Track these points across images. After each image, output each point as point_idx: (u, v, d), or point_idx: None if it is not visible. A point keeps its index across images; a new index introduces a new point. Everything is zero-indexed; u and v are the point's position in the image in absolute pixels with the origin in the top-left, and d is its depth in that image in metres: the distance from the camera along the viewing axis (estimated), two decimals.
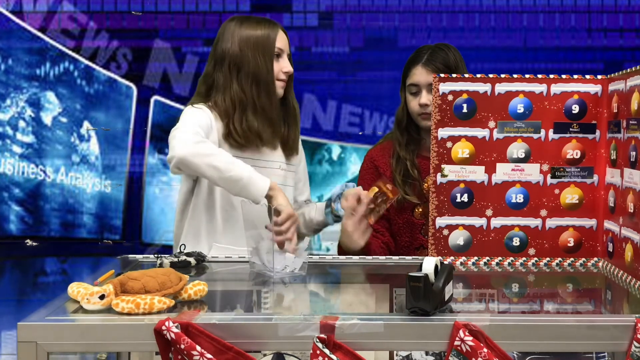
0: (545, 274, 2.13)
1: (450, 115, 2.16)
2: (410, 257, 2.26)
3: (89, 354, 2.85)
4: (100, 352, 2.13)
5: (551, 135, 2.16)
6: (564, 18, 3.48)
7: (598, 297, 2.02)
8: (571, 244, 2.17)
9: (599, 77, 2.15)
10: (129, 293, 1.58)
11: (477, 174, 2.16)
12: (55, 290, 3.49)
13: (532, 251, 2.17)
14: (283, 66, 2.37)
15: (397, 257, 2.26)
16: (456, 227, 2.18)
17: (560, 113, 2.15)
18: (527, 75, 2.16)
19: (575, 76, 2.16)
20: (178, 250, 2.17)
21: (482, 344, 1.47)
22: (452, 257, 2.17)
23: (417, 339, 1.52)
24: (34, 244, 3.52)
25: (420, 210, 2.40)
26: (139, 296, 1.55)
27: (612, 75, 2.10)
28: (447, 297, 1.58)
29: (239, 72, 2.34)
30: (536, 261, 2.18)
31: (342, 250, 2.37)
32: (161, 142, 3.52)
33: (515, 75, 2.16)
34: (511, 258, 2.18)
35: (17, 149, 3.51)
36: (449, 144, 2.17)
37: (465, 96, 2.16)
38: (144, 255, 2.19)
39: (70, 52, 3.50)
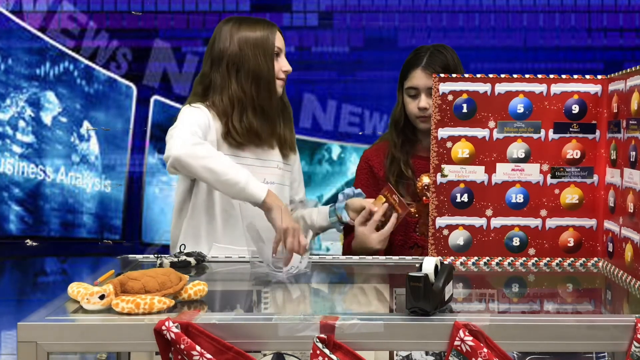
0: (545, 274, 2.13)
1: (450, 115, 2.16)
2: (410, 257, 2.26)
3: (89, 354, 2.85)
4: (100, 352, 2.13)
5: (551, 135, 2.16)
6: (564, 18, 3.48)
7: (598, 297, 2.02)
8: (571, 244, 2.17)
9: (599, 77, 2.15)
10: (129, 293, 1.58)
11: (477, 174, 2.16)
12: (55, 290, 3.49)
13: (532, 251, 2.17)
14: (282, 65, 2.38)
15: (397, 257, 2.26)
16: (456, 227, 2.18)
17: (560, 113, 2.15)
18: (527, 75, 2.16)
19: (575, 76, 2.16)
20: (178, 250, 2.17)
21: (482, 344, 1.47)
22: (452, 257, 2.17)
23: (417, 339, 1.52)
24: (34, 244, 3.52)
25: (414, 209, 2.40)
26: (139, 296, 1.55)
27: (612, 75, 2.10)
28: (447, 297, 1.58)
29: (238, 72, 2.34)
30: (536, 261, 2.18)
31: (349, 251, 2.39)
32: (161, 142, 3.52)
33: (515, 75, 2.16)
34: (511, 258, 2.18)
35: (17, 148, 3.51)
36: (449, 144, 2.17)
37: (465, 96, 2.16)
38: (144, 255, 2.19)
39: (70, 52, 3.50)
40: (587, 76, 2.16)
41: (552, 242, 2.17)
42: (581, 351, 2.16)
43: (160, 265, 2.02)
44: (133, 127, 3.54)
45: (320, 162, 3.55)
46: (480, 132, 2.16)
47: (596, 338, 1.52)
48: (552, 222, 2.17)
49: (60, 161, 3.52)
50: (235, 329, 1.50)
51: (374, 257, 2.26)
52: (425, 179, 2.36)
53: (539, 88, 2.15)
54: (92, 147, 3.54)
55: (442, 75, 2.19)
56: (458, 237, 2.18)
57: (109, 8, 3.49)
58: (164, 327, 1.47)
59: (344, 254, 2.50)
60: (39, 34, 3.49)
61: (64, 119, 3.52)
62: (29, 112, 3.50)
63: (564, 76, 2.16)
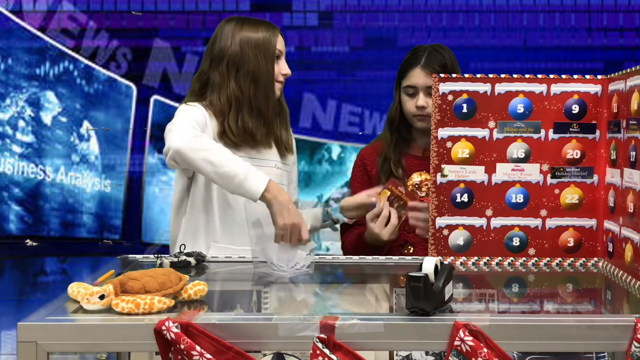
0: (545, 274, 2.13)
1: (450, 115, 2.16)
2: (410, 257, 2.26)
3: (89, 354, 2.85)
4: (100, 352, 2.13)
5: (551, 135, 2.16)
6: (564, 17, 3.48)
7: (598, 297, 2.02)
8: (571, 244, 2.17)
9: (599, 77, 2.15)
10: (129, 293, 1.58)
11: (477, 174, 2.16)
12: (55, 290, 3.49)
13: (532, 251, 2.17)
14: (282, 68, 2.39)
15: (397, 257, 2.26)
16: (456, 227, 2.18)
17: (560, 113, 2.15)
18: (527, 75, 2.16)
19: (575, 76, 2.16)
20: (178, 250, 2.17)
21: (482, 344, 1.47)
22: (452, 257, 2.17)
23: (417, 339, 1.52)
24: (34, 243, 3.52)
25: (403, 211, 2.40)
26: (139, 296, 1.55)
27: (612, 75, 2.10)
28: (447, 297, 1.58)
29: (237, 72, 2.34)
30: (536, 261, 2.18)
31: (349, 249, 2.42)
32: (161, 142, 3.51)
33: (515, 75, 2.16)
34: (511, 258, 2.18)
35: (16, 148, 3.51)
36: (449, 144, 2.17)
37: (465, 96, 2.16)
38: (144, 255, 2.19)
39: (70, 52, 3.50)
40: (587, 76, 2.16)
41: (552, 242, 2.17)
42: (581, 351, 2.17)
43: (160, 265, 2.02)
44: (133, 126, 3.54)
45: (320, 161, 3.55)
46: (480, 132, 2.16)
47: (596, 338, 1.51)
48: (552, 222, 2.17)
49: (60, 161, 3.53)
50: (235, 329, 1.50)
51: (374, 257, 2.26)
52: (416, 178, 2.37)
53: (539, 88, 2.15)
54: (92, 146, 3.54)
55: (442, 75, 2.19)
56: (458, 237, 2.18)
57: (109, 8, 3.49)
58: (164, 327, 1.47)
59: (344, 252, 2.50)
60: (39, 33, 3.49)
61: (63, 119, 3.52)
62: (28, 111, 3.51)
63: (564, 76, 2.16)
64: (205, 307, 1.67)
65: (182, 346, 1.46)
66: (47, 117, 3.52)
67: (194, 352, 1.46)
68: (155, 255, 2.12)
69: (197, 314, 1.54)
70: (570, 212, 2.17)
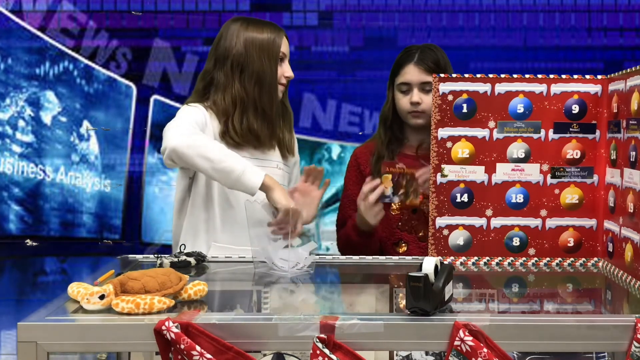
0: (545, 274, 2.13)
1: (450, 115, 2.16)
2: (410, 257, 2.26)
3: (89, 354, 2.85)
4: (100, 352, 2.13)
5: (551, 135, 2.16)
6: (564, 17, 3.48)
7: (598, 297, 2.02)
8: (571, 244, 2.17)
9: (599, 77, 2.15)
10: (129, 293, 1.58)
11: (477, 174, 2.16)
12: (55, 290, 3.49)
13: (532, 251, 2.17)
14: (285, 70, 2.39)
15: (397, 257, 2.26)
16: (456, 227, 2.17)
17: (560, 113, 2.15)
18: (527, 75, 2.16)
19: (575, 76, 2.16)
20: (178, 250, 2.17)
21: (482, 344, 1.47)
22: (452, 257, 2.17)
23: (417, 339, 1.52)
24: (34, 243, 3.51)
25: (397, 205, 2.40)
26: (139, 296, 1.55)
27: (612, 75, 2.10)
28: (447, 297, 1.58)
29: (242, 72, 2.34)
30: (536, 261, 2.18)
31: (344, 241, 2.40)
32: (161, 142, 3.51)
33: (515, 75, 2.16)
34: (511, 258, 2.18)
35: (16, 148, 3.51)
36: (449, 144, 2.17)
37: (465, 96, 2.16)
38: (144, 255, 2.19)
39: (69, 52, 3.50)
40: (587, 76, 2.16)
41: (552, 242, 2.17)
42: (581, 351, 2.17)
43: (160, 265, 2.02)
44: (133, 126, 3.54)
45: (320, 161, 3.55)
46: (480, 132, 2.16)
47: (596, 338, 1.51)
48: (552, 222, 2.17)
49: (60, 161, 3.52)
50: (235, 329, 1.50)
51: (373, 257, 2.26)
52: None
53: (539, 88, 2.15)
54: (92, 146, 3.54)
55: (442, 75, 2.19)
56: (458, 237, 2.18)
57: (109, 8, 3.49)
58: (164, 327, 1.47)
59: (339, 247, 2.49)
60: (39, 33, 3.49)
61: (63, 119, 3.52)
62: (28, 111, 3.50)
63: (564, 76, 2.16)
64: (205, 307, 1.67)
65: (182, 346, 1.46)
66: (47, 117, 3.52)
67: (194, 352, 1.46)
68: (155, 255, 2.12)
69: (197, 314, 1.54)
70: (570, 212, 2.17)
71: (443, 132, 2.17)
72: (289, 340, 1.50)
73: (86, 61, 3.51)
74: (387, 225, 2.43)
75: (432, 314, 1.52)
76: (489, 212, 2.17)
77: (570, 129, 2.16)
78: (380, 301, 1.93)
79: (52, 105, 3.51)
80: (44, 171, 3.52)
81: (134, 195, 3.55)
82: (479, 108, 2.16)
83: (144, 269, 1.83)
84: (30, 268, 3.52)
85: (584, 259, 2.17)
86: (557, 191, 2.17)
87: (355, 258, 2.25)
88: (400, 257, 2.27)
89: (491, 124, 2.16)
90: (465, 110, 2.16)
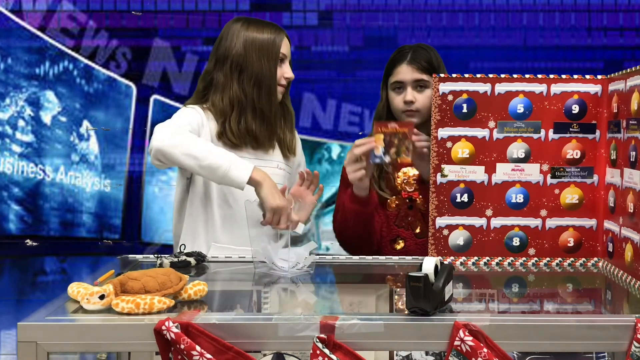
0: (545, 274, 2.13)
1: (450, 115, 2.16)
2: (410, 257, 2.26)
3: (89, 354, 2.86)
4: (100, 352, 2.13)
5: (551, 135, 2.16)
6: (564, 17, 3.48)
7: (598, 297, 2.02)
8: (571, 244, 2.17)
9: (599, 77, 2.15)
10: (129, 293, 1.58)
11: (477, 174, 2.16)
12: (55, 289, 3.49)
13: (532, 251, 2.17)
14: (285, 72, 2.38)
15: (397, 257, 2.26)
16: (456, 227, 2.17)
17: (560, 113, 2.15)
18: (527, 75, 2.16)
19: (575, 76, 2.16)
20: (178, 250, 2.17)
21: (482, 344, 1.47)
22: (452, 257, 2.17)
23: (417, 339, 1.52)
24: (34, 243, 3.51)
25: (395, 202, 2.40)
26: (139, 296, 1.55)
27: (612, 75, 2.10)
28: (447, 297, 1.58)
29: (240, 73, 2.34)
30: (536, 261, 2.18)
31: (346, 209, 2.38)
32: None
33: (515, 75, 2.16)
34: (511, 258, 2.18)
35: (16, 148, 3.51)
36: (449, 144, 2.17)
37: (465, 96, 2.16)
38: (144, 255, 2.19)
39: (69, 51, 3.50)
40: (587, 76, 2.16)
41: (552, 242, 2.17)
42: (581, 351, 2.16)
43: (160, 265, 2.02)
44: (133, 126, 3.54)
45: (320, 161, 3.55)
46: (480, 132, 2.16)
47: (596, 338, 1.52)
48: (552, 222, 2.17)
49: (59, 160, 3.52)
50: (235, 329, 1.50)
51: (373, 257, 2.26)
52: (403, 176, 2.37)
53: (539, 88, 2.15)
54: (92, 146, 3.54)
55: (442, 75, 2.19)
56: (458, 237, 2.18)
57: (109, 7, 3.49)
58: (164, 327, 1.47)
59: (335, 224, 2.46)
60: (39, 33, 3.49)
61: (63, 119, 3.52)
62: (28, 111, 3.50)
63: (564, 76, 2.16)
64: (205, 307, 1.67)
65: (182, 346, 1.46)
66: (46, 117, 3.51)
67: (194, 352, 1.46)
68: (155, 255, 2.12)
69: (197, 314, 1.54)
70: (570, 212, 2.17)
71: (443, 132, 2.17)
72: (289, 340, 1.50)
73: (86, 61, 3.51)
74: (385, 222, 2.43)
75: (432, 314, 1.52)
76: (489, 212, 2.17)
77: (570, 129, 2.16)
78: (380, 301, 1.93)
79: (52, 105, 3.51)
80: (43, 171, 3.52)
81: (134, 195, 3.55)
82: (479, 108, 2.16)
83: (144, 269, 1.83)
84: (30, 268, 3.52)
85: (584, 259, 2.17)
86: (557, 191, 2.17)
87: (355, 258, 2.25)
88: (400, 257, 2.27)
89: (491, 124, 2.16)
90: (465, 110, 2.16)
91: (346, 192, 2.38)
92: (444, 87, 2.16)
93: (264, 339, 1.51)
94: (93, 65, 3.51)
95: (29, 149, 3.51)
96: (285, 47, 2.38)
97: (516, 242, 2.17)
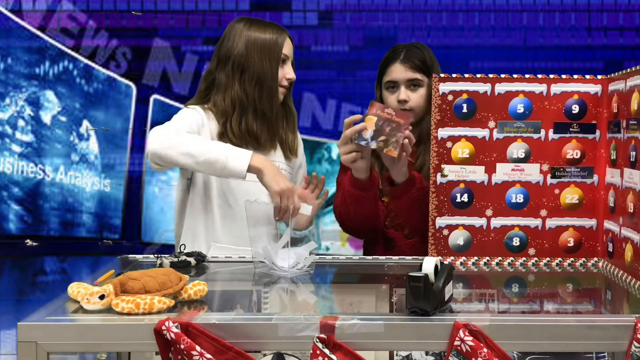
0: (545, 274, 2.13)
1: (450, 115, 2.16)
2: (410, 257, 2.26)
3: (89, 354, 2.85)
4: (100, 352, 2.13)
5: (551, 135, 2.16)
6: (564, 17, 3.48)
7: (598, 297, 2.02)
8: (571, 244, 2.17)
9: (599, 77, 2.15)
10: (129, 293, 1.58)
11: (477, 174, 2.16)
12: (55, 289, 3.49)
13: (532, 251, 2.17)
14: (286, 72, 2.38)
15: (397, 257, 2.26)
16: (456, 227, 2.17)
17: (560, 113, 2.15)
18: (527, 75, 2.16)
19: (575, 76, 2.16)
20: (178, 250, 2.17)
21: (482, 344, 1.47)
22: (452, 257, 2.17)
23: (417, 339, 1.52)
24: (34, 243, 3.51)
25: (385, 201, 2.38)
26: (139, 296, 1.55)
27: (612, 75, 2.10)
28: (447, 297, 1.58)
29: (242, 73, 2.34)
30: (536, 261, 2.18)
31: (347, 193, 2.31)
32: None
33: (515, 75, 2.16)
34: (511, 258, 2.17)
35: (16, 147, 3.51)
36: (449, 144, 2.17)
37: (465, 96, 2.16)
38: (144, 255, 2.19)
39: (69, 51, 3.50)
40: (587, 76, 2.16)
41: (552, 242, 2.17)
42: (581, 351, 2.16)
43: (160, 265, 2.02)
44: (132, 126, 3.54)
45: (320, 161, 3.55)
46: (480, 132, 2.16)
47: (596, 338, 1.52)
48: (552, 222, 2.17)
49: (59, 160, 3.52)
50: (235, 329, 1.50)
51: (373, 257, 2.26)
52: None
53: (539, 88, 2.15)
54: (92, 146, 3.54)
55: (442, 75, 2.19)
56: (458, 237, 2.18)
57: (109, 7, 3.49)
58: (164, 327, 1.47)
59: (335, 209, 2.40)
60: (39, 33, 3.49)
61: (63, 118, 3.52)
62: (28, 111, 3.50)
63: (564, 76, 2.16)
64: (205, 307, 1.67)
65: (182, 346, 1.46)
66: (46, 117, 3.51)
67: (194, 352, 1.46)
68: (155, 255, 2.12)
69: (197, 314, 1.54)
70: (570, 212, 2.17)
71: (443, 132, 2.17)
72: (289, 340, 1.50)
73: (86, 61, 3.51)
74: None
75: (432, 314, 1.52)
76: (489, 212, 2.17)
77: (570, 129, 2.16)
78: (380, 301, 1.93)
79: (51, 105, 3.51)
80: (43, 171, 3.52)
81: (134, 194, 3.55)
82: (479, 108, 2.16)
83: (144, 269, 1.83)
84: (30, 268, 3.52)
85: (584, 259, 2.17)
86: (557, 191, 2.17)
87: (355, 258, 2.25)
88: (400, 257, 2.27)
89: (491, 124, 2.16)
90: (465, 110, 2.16)
91: (346, 174, 2.32)
92: (444, 87, 2.16)
93: (264, 339, 1.51)
94: (93, 65, 3.51)
95: (29, 148, 3.51)
96: (287, 48, 2.38)
97: (516, 242, 2.17)
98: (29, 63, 3.49)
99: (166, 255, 2.10)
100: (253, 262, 2.05)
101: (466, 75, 2.17)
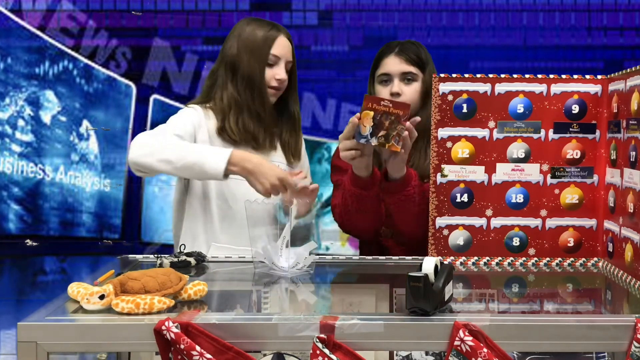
0: (545, 274, 2.13)
1: (450, 115, 2.16)
2: (410, 257, 2.26)
3: (89, 354, 2.85)
4: (100, 352, 2.13)
5: (551, 135, 2.16)
6: (564, 17, 3.48)
7: (598, 297, 2.02)
8: (571, 244, 2.17)
9: (599, 77, 2.15)
10: (129, 293, 1.58)
11: (477, 174, 2.16)
12: (55, 289, 3.49)
13: (532, 251, 2.17)
14: (276, 73, 2.35)
15: (397, 257, 2.26)
16: (456, 227, 2.17)
17: (560, 113, 2.15)
18: (527, 75, 2.16)
19: (575, 76, 2.16)
20: (178, 250, 2.17)
21: (482, 344, 1.47)
22: (452, 257, 2.17)
23: (417, 339, 1.51)
24: (34, 243, 3.51)
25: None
26: (139, 296, 1.55)
27: (612, 75, 2.10)
28: (447, 297, 1.58)
29: (234, 74, 2.34)
30: (536, 261, 2.18)
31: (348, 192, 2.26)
32: None
33: (515, 75, 2.16)
34: (511, 258, 2.17)
35: (16, 147, 3.51)
36: (449, 144, 2.17)
37: (465, 96, 2.16)
38: (144, 255, 2.19)
39: (69, 51, 3.50)
40: (587, 76, 2.16)
41: (552, 242, 2.17)
42: (581, 351, 2.16)
43: (160, 265, 2.02)
44: (132, 126, 3.54)
45: (320, 161, 3.55)
46: (480, 132, 2.16)
47: (596, 338, 1.51)
48: (552, 222, 2.17)
49: (59, 160, 3.52)
50: (235, 329, 1.50)
51: (373, 257, 2.26)
52: None
53: (539, 88, 2.15)
54: (92, 146, 3.54)
55: (442, 75, 2.19)
56: (458, 237, 2.18)
57: (108, 7, 3.49)
58: (163, 327, 1.47)
59: (334, 209, 2.37)
60: (38, 32, 3.49)
61: (63, 118, 3.52)
62: (28, 111, 3.50)
63: (564, 76, 2.16)
64: (205, 307, 1.67)
65: (182, 346, 1.46)
66: (46, 116, 3.51)
67: (194, 352, 1.46)
68: (155, 255, 2.12)
69: (197, 314, 1.54)
70: (570, 212, 2.17)
71: (443, 132, 2.17)
72: (289, 340, 1.50)
73: (86, 60, 3.51)
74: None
75: (432, 314, 1.52)
76: (489, 212, 2.17)
77: (570, 129, 2.16)
78: (380, 301, 1.93)
79: (51, 105, 3.51)
80: (43, 171, 3.52)
81: (134, 194, 3.55)
82: (479, 108, 2.16)
83: (144, 268, 1.83)
84: (30, 268, 3.52)
85: (584, 259, 2.17)
86: (557, 191, 2.17)
87: (355, 258, 2.25)
88: (400, 257, 2.26)
89: (491, 124, 2.16)
90: (465, 110, 2.16)
91: (343, 174, 2.28)
92: (444, 87, 2.16)
93: (264, 339, 1.51)
94: (93, 64, 3.51)
95: (29, 148, 3.51)
96: (278, 48, 2.35)
97: (516, 242, 2.17)
98: (29, 63, 3.49)
99: (166, 255, 2.10)
100: (253, 262, 2.05)
101: (466, 75, 2.17)
